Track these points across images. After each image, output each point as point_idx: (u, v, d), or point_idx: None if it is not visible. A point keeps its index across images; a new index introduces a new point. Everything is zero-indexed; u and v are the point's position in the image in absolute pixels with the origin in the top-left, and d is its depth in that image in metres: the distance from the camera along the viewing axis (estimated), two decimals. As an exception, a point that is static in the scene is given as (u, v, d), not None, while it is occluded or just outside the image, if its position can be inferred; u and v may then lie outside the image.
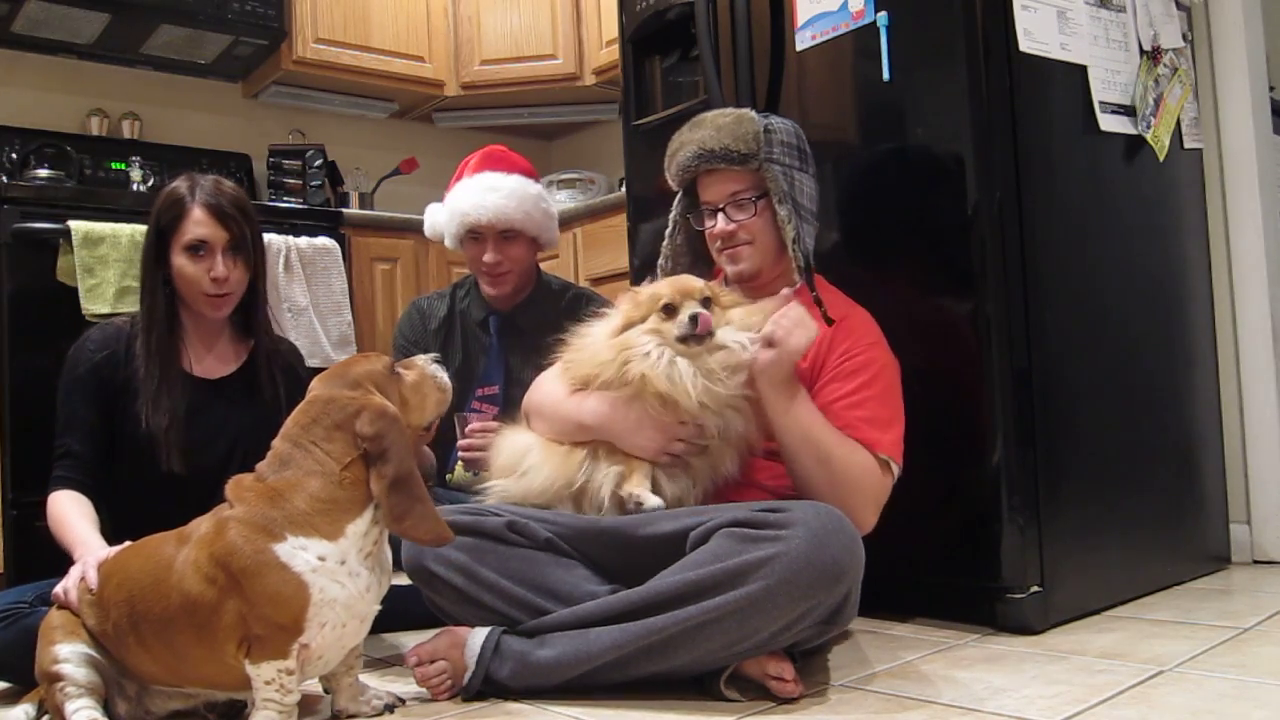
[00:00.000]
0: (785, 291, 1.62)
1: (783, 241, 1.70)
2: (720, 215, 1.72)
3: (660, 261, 1.86)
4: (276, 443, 1.37)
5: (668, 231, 1.86)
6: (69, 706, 1.35)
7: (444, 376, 1.49)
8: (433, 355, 1.53)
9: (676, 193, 1.84)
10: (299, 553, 1.28)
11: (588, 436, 1.62)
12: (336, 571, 1.30)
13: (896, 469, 1.61)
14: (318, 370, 1.51)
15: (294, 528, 1.29)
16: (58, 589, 1.47)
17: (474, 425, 2.07)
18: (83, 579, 1.45)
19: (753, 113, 1.74)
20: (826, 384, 1.64)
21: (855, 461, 1.56)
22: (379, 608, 1.39)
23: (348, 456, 1.32)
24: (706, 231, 1.77)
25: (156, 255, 1.80)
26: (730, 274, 1.74)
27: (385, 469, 1.31)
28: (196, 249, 1.77)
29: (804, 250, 1.67)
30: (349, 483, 1.32)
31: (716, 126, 1.71)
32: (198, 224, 1.77)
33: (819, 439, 1.55)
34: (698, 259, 1.83)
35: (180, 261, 1.78)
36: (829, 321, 1.67)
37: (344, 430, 1.33)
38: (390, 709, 1.45)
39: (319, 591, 1.29)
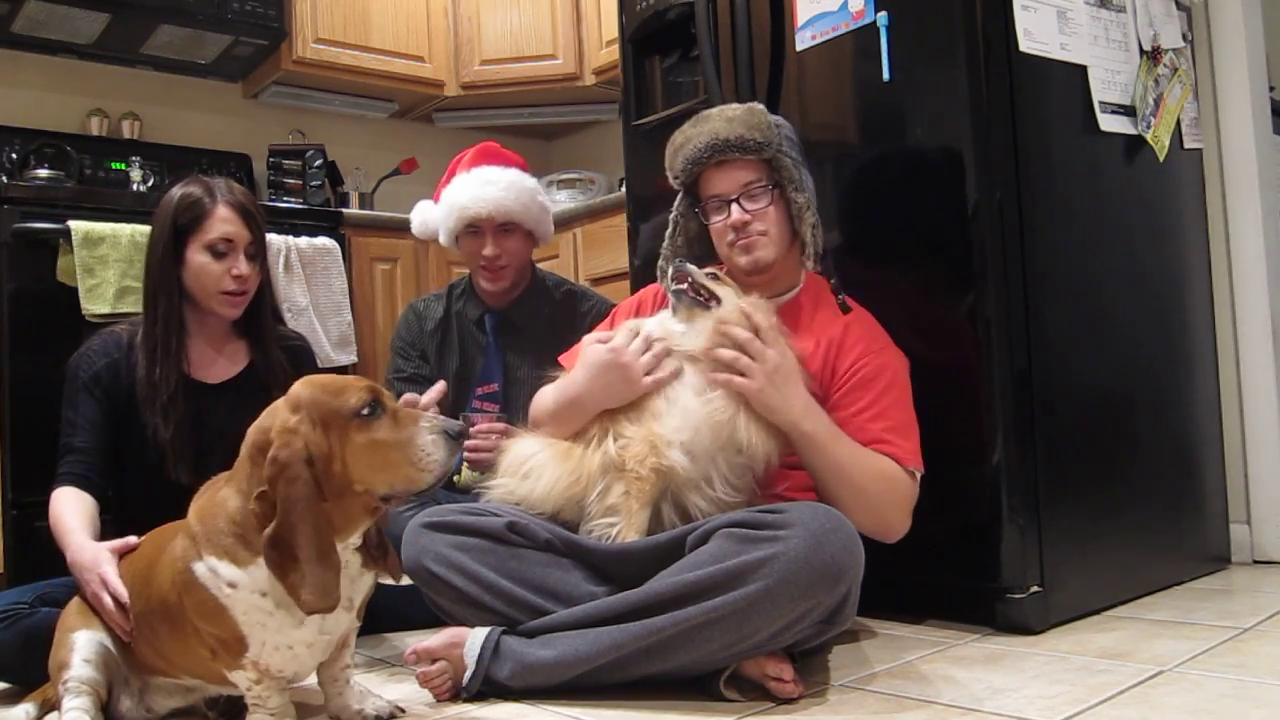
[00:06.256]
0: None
1: (791, 232, 1.72)
2: (734, 206, 1.71)
3: (660, 263, 1.85)
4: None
5: (668, 233, 1.85)
6: (66, 702, 1.36)
7: (438, 454, 1.21)
8: (443, 423, 1.23)
9: (677, 192, 1.83)
10: (210, 575, 1.23)
11: (585, 411, 1.62)
12: (258, 601, 1.22)
13: (919, 473, 1.63)
14: (325, 371, 1.47)
15: (209, 547, 1.24)
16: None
17: (480, 426, 2.06)
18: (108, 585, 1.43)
19: (761, 105, 1.75)
20: (844, 395, 1.65)
21: (887, 480, 1.59)
22: (328, 636, 1.30)
23: (259, 486, 1.20)
24: (716, 225, 1.74)
25: (172, 254, 1.76)
26: (745, 264, 1.72)
27: (269, 521, 1.17)
28: (220, 247, 1.76)
29: (820, 237, 1.70)
30: (254, 514, 1.20)
31: (727, 118, 1.70)
32: (225, 222, 1.76)
33: (851, 474, 1.56)
34: (699, 257, 1.81)
35: (201, 260, 1.76)
36: (845, 310, 1.70)
37: (261, 456, 1.20)
38: (391, 719, 1.42)
39: (242, 614, 1.23)
